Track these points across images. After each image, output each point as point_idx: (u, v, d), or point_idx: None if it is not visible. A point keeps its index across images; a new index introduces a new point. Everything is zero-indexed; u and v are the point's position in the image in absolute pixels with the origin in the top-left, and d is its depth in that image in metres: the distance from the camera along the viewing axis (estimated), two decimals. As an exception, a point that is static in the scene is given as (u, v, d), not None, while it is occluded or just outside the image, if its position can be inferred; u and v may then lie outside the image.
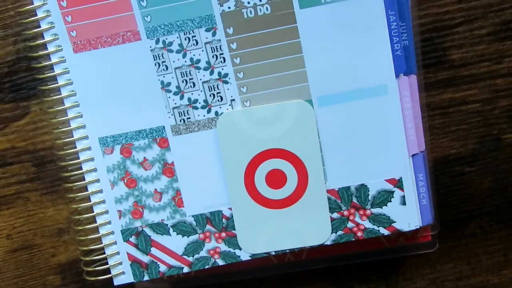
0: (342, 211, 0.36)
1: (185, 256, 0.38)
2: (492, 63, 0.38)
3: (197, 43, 0.35)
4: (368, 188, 0.36)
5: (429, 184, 0.37)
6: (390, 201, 0.36)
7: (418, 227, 0.37)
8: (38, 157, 0.40)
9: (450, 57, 0.38)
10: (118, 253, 0.38)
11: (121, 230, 0.38)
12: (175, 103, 0.36)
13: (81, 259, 0.39)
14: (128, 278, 0.39)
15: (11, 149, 0.40)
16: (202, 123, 0.36)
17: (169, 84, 0.36)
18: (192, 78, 0.36)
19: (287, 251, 0.37)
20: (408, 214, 0.36)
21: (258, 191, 0.36)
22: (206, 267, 0.38)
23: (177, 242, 0.38)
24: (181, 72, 0.36)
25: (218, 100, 0.36)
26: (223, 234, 0.37)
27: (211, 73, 0.36)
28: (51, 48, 0.36)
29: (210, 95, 0.36)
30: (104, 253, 0.38)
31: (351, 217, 0.37)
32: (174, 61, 0.36)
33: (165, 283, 0.39)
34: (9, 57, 0.39)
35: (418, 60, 0.37)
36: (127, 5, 0.35)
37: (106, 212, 0.38)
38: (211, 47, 0.35)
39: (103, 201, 0.38)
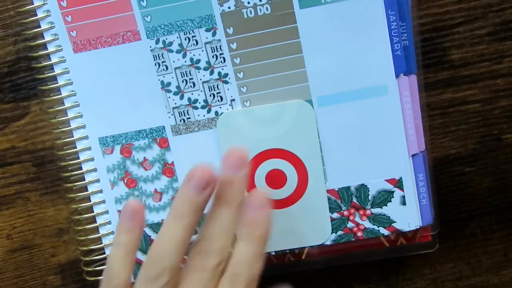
0: (342, 211, 0.36)
1: (185, 256, 0.38)
2: (492, 63, 0.38)
3: (197, 43, 0.35)
4: (368, 188, 0.36)
5: (429, 184, 0.37)
6: (390, 201, 0.36)
7: (418, 227, 0.37)
8: (38, 157, 0.40)
9: (450, 57, 0.38)
10: (118, 253, 0.38)
11: (121, 230, 0.38)
12: (175, 103, 0.36)
13: (81, 259, 0.39)
14: (128, 278, 0.39)
15: (11, 149, 0.40)
16: (202, 123, 0.36)
17: (169, 84, 0.36)
18: (192, 78, 0.36)
19: (287, 251, 0.37)
20: (408, 214, 0.36)
21: (258, 191, 0.36)
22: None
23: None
24: (181, 72, 0.36)
25: (218, 100, 0.36)
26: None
27: (211, 73, 0.36)
28: (51, 48, 0.36)
29: (210, 95, 0.36)
30: (104, 253, 0.38)
31: (351, 217, 0.37)
32: (174, 61, 0.36)
33: None
34: (9, 57, 0.39)
35: (418, 60, 0.37)
36: (127, 5, 0.35)
37: (106, 212, 0.38)
38: (211, 47, 0.35)
39: (103, 201, 0.38)
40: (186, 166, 0.36)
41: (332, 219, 0.37)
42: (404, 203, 0.36)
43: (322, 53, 0.35)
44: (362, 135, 0.35)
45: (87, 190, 0.38)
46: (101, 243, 0.38)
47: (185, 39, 0.35)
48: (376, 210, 0.36)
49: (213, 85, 0.36)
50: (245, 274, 0.31)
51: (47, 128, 0.39)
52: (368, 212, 0.36)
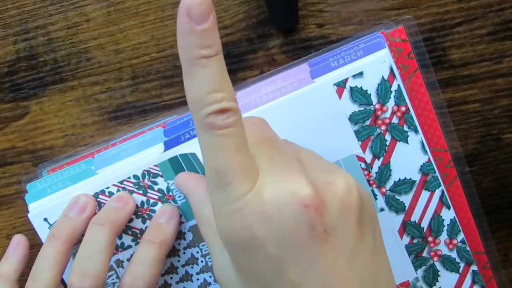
0: None
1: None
2: (492, 63, 0.38)
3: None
4: None
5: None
6: (390, 201, 0.36)
7: (418, 227, 0.37)
8: (38, 157, 0.40)
9: (450, 57, 0.38)
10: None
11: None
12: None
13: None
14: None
15: (11, 149, 0.40)
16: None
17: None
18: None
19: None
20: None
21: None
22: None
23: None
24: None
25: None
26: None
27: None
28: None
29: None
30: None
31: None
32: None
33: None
34: (9, 57, 0.39)
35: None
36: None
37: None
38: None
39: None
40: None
41: None
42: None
43: None
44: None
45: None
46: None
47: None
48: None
49: None
50: (144, 275, 0.33)
51: (47, 128, 0.39)
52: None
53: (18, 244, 0.37)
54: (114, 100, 0.39)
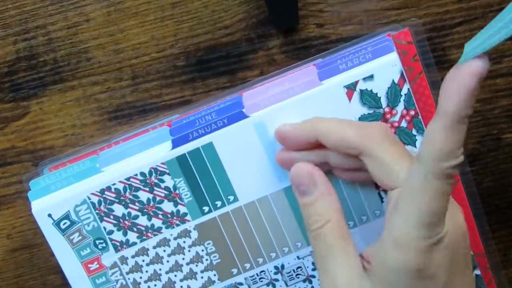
0: None
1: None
2: (492, 63, 0.38)
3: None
4: None
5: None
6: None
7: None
8: (38, 157, 0.40)
9: (450, 57, 0.38)
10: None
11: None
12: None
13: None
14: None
15: (11, 149, 0.40)
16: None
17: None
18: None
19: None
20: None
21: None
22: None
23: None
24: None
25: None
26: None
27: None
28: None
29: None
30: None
31: None
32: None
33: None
34: (9, 57, 0.39)
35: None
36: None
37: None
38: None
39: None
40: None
41: None
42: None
43: None
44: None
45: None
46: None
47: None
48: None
49: None
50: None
51: (47, 128, 0.39)
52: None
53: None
54: (114, 100, 0.39)
